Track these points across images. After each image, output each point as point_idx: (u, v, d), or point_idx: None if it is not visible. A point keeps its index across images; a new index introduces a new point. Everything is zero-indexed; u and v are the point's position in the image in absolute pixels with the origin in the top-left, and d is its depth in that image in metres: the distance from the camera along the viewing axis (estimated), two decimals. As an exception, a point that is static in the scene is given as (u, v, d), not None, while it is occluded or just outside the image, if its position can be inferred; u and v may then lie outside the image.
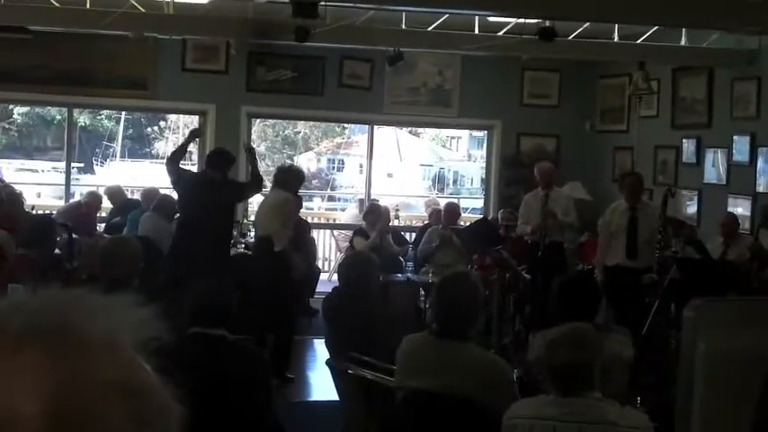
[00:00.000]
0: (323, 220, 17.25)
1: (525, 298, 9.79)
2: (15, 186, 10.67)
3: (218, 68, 12.34)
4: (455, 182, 27.09)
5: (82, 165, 23.36)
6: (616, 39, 10.61)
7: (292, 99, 12.63)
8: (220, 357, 4.24)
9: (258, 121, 22.38)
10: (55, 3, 9.39)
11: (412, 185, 24.99)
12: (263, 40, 10.43)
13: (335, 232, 14.92)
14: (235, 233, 10.75)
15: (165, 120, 24.75)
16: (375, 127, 14.22)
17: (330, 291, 6.66)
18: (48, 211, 12.00)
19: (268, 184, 10.22)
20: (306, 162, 26.26)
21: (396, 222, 12.92)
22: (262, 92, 12.51)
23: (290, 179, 9.20)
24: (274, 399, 8.03)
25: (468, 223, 11.70)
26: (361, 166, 15.13)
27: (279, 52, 12.19)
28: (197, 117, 13.31)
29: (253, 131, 23.18)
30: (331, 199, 24.38)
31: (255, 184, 9.28)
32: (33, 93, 12.18)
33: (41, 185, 19.32)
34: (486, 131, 13.94)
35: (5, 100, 14.39)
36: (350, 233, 11.87)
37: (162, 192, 10.91)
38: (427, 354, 4.55)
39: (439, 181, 26.86)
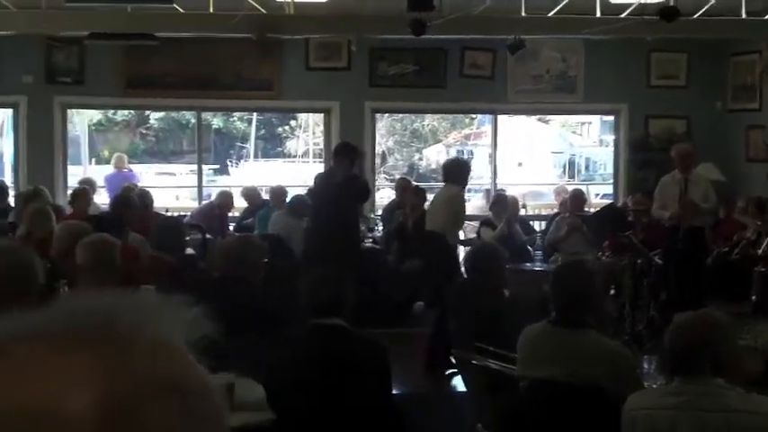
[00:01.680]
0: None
1: (660, 284, 9.61)
2: (151, 190, 11.06)
3: (341, 65, 12.48)
4: (587, 168, 26.70)
5: (217, 166, 23.89)
6: (743, 15, 10.30)
7: (415, 92, 12.68)
8: (339, 346, 4.29)
9: (386, 115, 22.56)
10: (179, 9, 9.64)
11: (543, 174, 24.75)
12: (382, 35, 10.51)
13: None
14: (363, 228, 10.86)
15: (296, 118, 25.11)
16: (502, 116, 14.17)
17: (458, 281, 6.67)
18: (183, 214, 12.34)
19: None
20: (435, 154, 26.29)
21: (523, 212, 12.83)
22: (384, 86, 12.60)
23: (459, 172, 9.25)
24: (407, 389, 8.13)
25: (595, 210, 11.54)
26: (490, 156, 15.10)
27: (400, 46, 12.26)
28: (323, 115, 13.48)
29: (381, 126, 23.48)
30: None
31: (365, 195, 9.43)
32: (163, 98, 12.54)
33: (179, 188, 19.83)
34: (613, 116, 13.72)
35: (137, 106, 14.82)
36: (477, 224, 11.83)
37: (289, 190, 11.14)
38: (546, 343, 4.52)
39: (570, 168, 26.53)
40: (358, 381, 4.16)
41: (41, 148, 12.06)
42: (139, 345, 0.80)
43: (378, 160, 23.32)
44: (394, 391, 7.88)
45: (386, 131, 25.24)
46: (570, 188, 12.68)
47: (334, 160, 9.44)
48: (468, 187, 21.73)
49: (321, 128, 13.93)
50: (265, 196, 12.61)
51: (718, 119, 12.73)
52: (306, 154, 24.38)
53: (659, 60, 12.81)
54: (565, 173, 25.74)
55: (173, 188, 18.94)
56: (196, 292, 4.34)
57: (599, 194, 17.22)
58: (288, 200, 10.85)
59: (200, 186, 13.46)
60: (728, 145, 12.42)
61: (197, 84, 12.29)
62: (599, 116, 17.97)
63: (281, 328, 4.96)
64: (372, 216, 11.94)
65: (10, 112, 12.52)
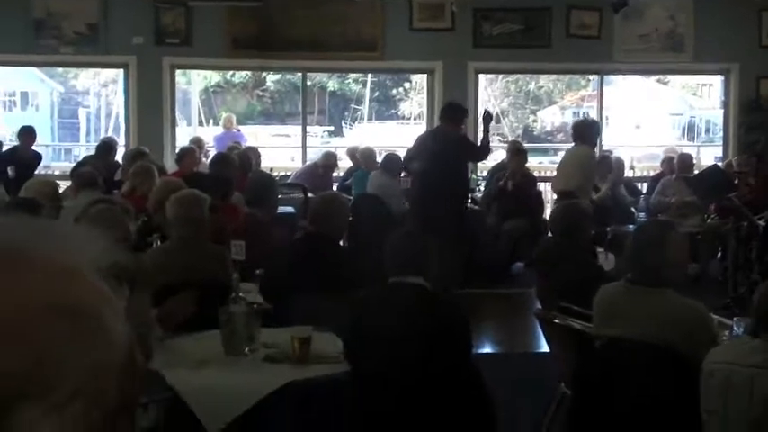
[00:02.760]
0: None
1: (765, 247, 9.38)
2: (265, 151, 11.26)
3: (445, 26, 12.42)
4: (707, 131, 26.11)
5: (331, 128, 24.11)
6: None
7: (519, 53, 12.56)
8: (416, 305, 4.32)
9: (500, 77, 22.42)
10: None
11: (661, 136, 24.28)
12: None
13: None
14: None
15: (410, 81, 25.11)
16: (617, 77, 13.96)
17: (543, 240, 6.64)
18: (287, 173, 12.53)
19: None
20: (550, 116, 26.04)
21: (631, 173, 12.65)
22: (488, 47, 12.50)
23: (588, 132, 9.24)
24: (499, 348, 8.15)
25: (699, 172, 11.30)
26: (607, 119, 14.89)
27: (504, 6, 12.16)
28: (425, 75, 13.47)
29: (495, 88, 23.26)
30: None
31: (483, 151, 9.36)
32: (268, 59, 12.69)
33: (294, 149, 20.07)
34: (722, 76, 13.36)
35: (243, 67, 15.01)
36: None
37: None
38: (621, 302, 4.48)
39: (689, 130, 25.97)
40: (433, 340, 4.19)
41: (150, 108, 12.36)
42: (33, 266, 0.85)
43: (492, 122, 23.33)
44: (482, 350, 7.99)
45: (500, 93, 25.08)
46: (680, 150, 12.45)
47: (441, 121, 9.42)
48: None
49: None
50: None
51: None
52: (419, 116, 24.41)
53: (771, 19, 12.43)
54: (684, 135, 25.22)
55: (287, 149, 19.20)
56: (285, 248, 4.47)
57: (718, 157, 16.86)
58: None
59: (304, 146, 13.62)
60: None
61: (303, 45, 12.40)
62: (720, 77, 17.56)
63: (364, 285, 5.03)
64: (475, 177, 11.91)
65: (121, 72, 12.83)
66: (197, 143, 11.73)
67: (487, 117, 9.67)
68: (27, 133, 11.35)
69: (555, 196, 10.13)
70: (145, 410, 3.28)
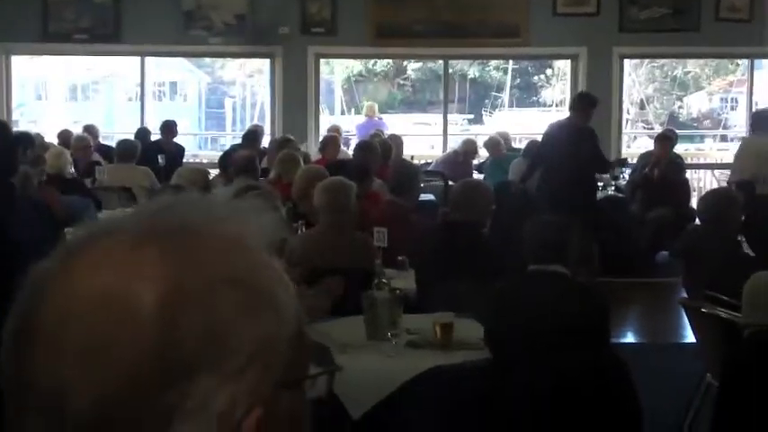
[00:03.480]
0: (715, 161, 16.62)
1: None
2: (406, 139, 11.33)
3: (590, 11, 12.28)
4: None
5: (471, 116, 24.06)
6: None
7: (666, 37, 12.31)
8: (556, 294, 4.30)
9: (645, 62, 21.98)
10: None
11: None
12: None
13: (717, 173, 14.36)
14: (607, 175, 10.74)
15: (552, 67, 24.86)
16: (764, 62, 13.54)
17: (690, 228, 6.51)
18: (428, 161, 12.57)
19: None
20: (697, 102, 25.41)
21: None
22: (634, 32, 12.29)
23: (766, 121, 9.10)
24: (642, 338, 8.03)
25: None
26: (756, 104, 14.49)
27: (652, -11, 11.94)
28: (569, 61, 13.32)
29: (640, 73, 22.79)
30: (723, 139, 23.43)
31: (600, 165, 9.35)
32: (412, 47, 12.76)
33: (434, 136, 20.13)
34: None
35: (386, 55, 15.12)
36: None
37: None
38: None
39: None
40: (574, 327, 4.16)
41: (295, 96, 12.57)
42: (208, 242, 0.89)
43: (635, 109, 22.83)
44: (628, 341, 7.89)
45: (645, 79, 24.58)
46: None
47: (571, 110, 9.39)
48: (726, 135, 20.90)
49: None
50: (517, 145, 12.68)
51: None
52: (561, 103, 24.13)
53: None
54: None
55: (427, 137, 19.26)
56: (427, 235, 4.51)
57: None
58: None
59: (445, 134, 13.65)
60: None
61: (445, 32, 12.42)
62: None
63: (504, 272, 5.03)
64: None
65: (267, 62, 13.08)
66: (335, 131, 11.88)
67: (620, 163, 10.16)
68: (167, 127, 11.69)
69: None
70: (314, 383, 3.35)
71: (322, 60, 13.67)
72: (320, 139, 11.17)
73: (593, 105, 9.30)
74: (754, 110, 9.45)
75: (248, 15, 12.34)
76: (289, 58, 12.51)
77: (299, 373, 0.92)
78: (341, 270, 4.87)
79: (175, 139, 11.78)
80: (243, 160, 7.79)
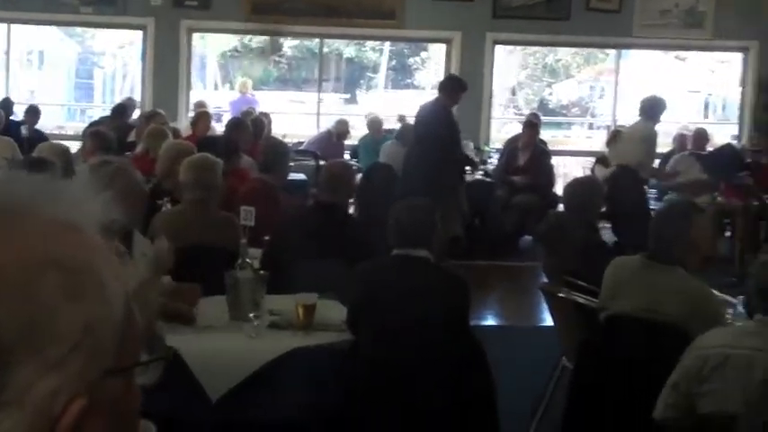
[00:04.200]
0: (581, 149, 17.00)
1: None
2: (281, 116, 11.19)
3: (465, -5, 12.41)
4: (723, 109, 25.93)
5: (347, 96, 24.04)
6: None
7: (539, 24, 12.54)
8: (419, 278, 4.34)
9: (519, 48, 22.27)
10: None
11: (678, 113, 24.11)
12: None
13: (583, 160, 14.71)
14: (477, 160, 10.88)
15: (427, 50, 25.02)
16: (635, 51, 13.91)
17: (551, 214, 6.64)
18: (300, 140, 12.52)
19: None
20: (566, 90, 25.86)
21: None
22: (507, 18, 12.47)
23: (653, 108, 9.26)
24: (504, 321, 8.18)
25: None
26: (623, 93, 14.87)
27: (525, -23, 12.12)
28: (443, 45, 13.42)
29: (513, 60, 23.09)
30: (590, 127, 23.95)
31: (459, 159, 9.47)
32: (287, 24, 12.69)
33: (309, 115, 20.03)
34: (741, 54, 13.28)
35: (261, 31, 14.95)
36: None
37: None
38: (635, 276, 4.50)
39: (706, 108, 25.80)
40: (435, 312, 4.21)
41: (167, 70, 12.37)
42: (30, 224, 0.86)
43: (507, 94, 23.15)
44: (488, 323, 8.03)
45: (517, 65, 24.93)
46: (694, 128, 12.41)
47: (439, 92, 9.46)
48: (593, 123, 21.35)
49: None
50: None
51: None
52: (436, 86, 24.30)
53: (793, -3, 12.36)
54: (700, 113, 25.03)
55: (302, 115, 19.17)
56: (294, 215, 4.47)
57: (734, 136, 16.77)
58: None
59: (318, 114, 13.63)
60: None
61: (321, 11, 12.38)
62: (739, 55, 17.49)
63: (373, 255, 5.05)
64: (487, 149, 11.92)
65: (139, 33, 12.83)
66: (202, 107, 11.73)
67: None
68: (32, 112, 11.28)
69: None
70: (145, 370, 3.29)
71: (196, 34, 13.48)
72: (191, 114, 11.01)
73: (463, 89, 9.38)
74: (644, 97, 9.67)
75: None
76: (161, 31, 12.31)
77: (129, 360, 0.91)
78: (203, 248, 4.82)
79: (43, 109, 11.42)
80: (95, 136, 7.53)
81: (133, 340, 0.91)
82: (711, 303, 4.44)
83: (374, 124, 11.22)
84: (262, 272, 4.47)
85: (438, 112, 9.22)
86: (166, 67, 12.36)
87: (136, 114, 11.28)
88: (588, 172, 11.37)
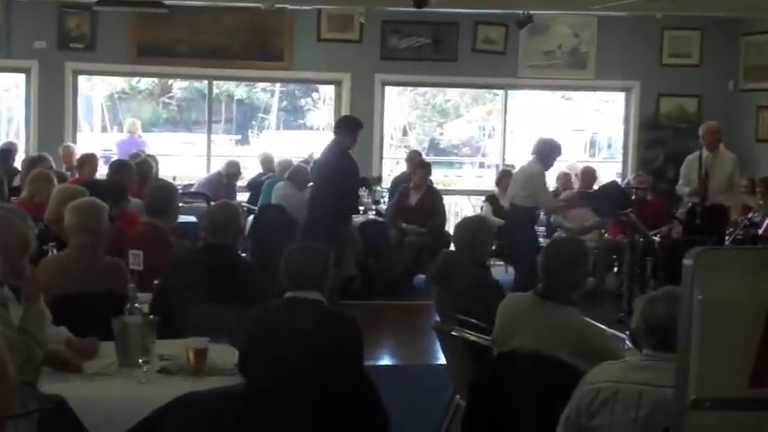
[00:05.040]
0: (472, 187, 17.23)
1: (661, 263, 9.61)
2: (171, 158, 11.04)
3: (353, 38, 12.50)
4: (609, 147, 26.55)
5: (239, 137, 23.94)
6: (755, -7, 10.23)
7: (426, 66, 12.70)
8: (312, 320, 4.31)
9: (408, 89, 22.53)
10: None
11: (565, 152, 24.53)
12: (386, 7, 10.52)
13: (473, 199, 14.90)
14: (369, 200, 10.92)
15: (318, 91, 25.14)
16: (522, 92, 14.18)
17: (443, 253, 6.68)
18: (191, 182, 12.41)
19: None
20: (456, 130, 26.19)
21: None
22: (396, 59, 12.61)
23: (546, 151, 9.37)
24: (398, 360, 8.18)
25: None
26: (512, 133, 15.14)
27: (412, 19, 12.27)
28: (332, 86, 13.50)
29: (403, 100, 23.33)
30: (481, 166, 24.30)
31: (349, 199, 9.49)
32: (175, 66, 12.61)
33: (200, 157, 19.85)
34: (624, 93, 13.65)
35: (148, 74, 14.83)
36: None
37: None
38: (526, 313, 4.55)
39: (591, 147, 26.38)
40: (327, 355, 4.19)
41: (52, 113, 12.17)
42: None
43: (399, 134, 23.36)
44: (383, 363, 8.03)
45: (408, 105, 25.20)
46: (581, 166, 12.68)
47: (335, 133, 9.51)
48: (483, 162, 21.59)
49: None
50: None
51: (730, 98, 12.67)
52: (328, 126, 24.35)
53: (672, 38, 12.78)
54: (586, 151, 25.58)
55: (194, 157, 18.99)
56: (183, 258, 4.38)
57: (619, 173, 17.18)
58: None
59: (209, 155, 13.55)
60: (739, 125, 12.34)
61: (208, 53, 12.36)
62: (622, 94, 18.00)
63: (265, 296, 5.01)
64: (379, 189, 11.98)
65: (23, 77, 12.58)
66: (67, 150, 11.54)
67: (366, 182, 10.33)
68: None
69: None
70: (18, 422, 3.20)
71: (83, 77, 13.30)
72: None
73: (359, 127, 9.44)
74: (539, 138, 9.84)
75: (3, 28, 11.85)
76: (45, 74, 12.11)
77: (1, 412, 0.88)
78: (90, 294, 4.72)
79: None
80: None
81: (7, 394, 0.88)
82: (603, 341, 4.51)
83: (284, 166, 11.19)
84: (151, 316, 4.39)
85: (336, 152, 9.26)
86: (51, 110, 12.16)
87: (20, 158, 11.03)
88: (479, 211, 11.51)
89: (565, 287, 4.51)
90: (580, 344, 4.35)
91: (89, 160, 9.99)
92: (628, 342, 4.74)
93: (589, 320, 4.55)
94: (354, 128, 9.37)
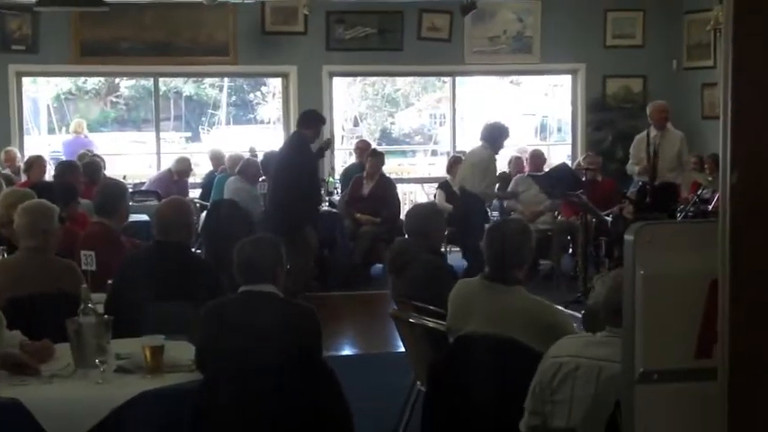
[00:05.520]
0: (426, 175, 17.30)
1: (616, 242, 9.72)
2: (120, 158, 10.93)
3: (298, 30, 12.47)
4: (559, 130, 26.71)
5: (189, 134, 23.81)
6: (694, -28, 10.37)
7: (373, 55, 12.70)
8: (267, 313, 4.32)
9: (358, 80, 22.54)
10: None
11: (515, 136, 24.65)
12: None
13: (426, 186, 14.97)
14: (322, 191, 10.92)
15: (266, 85, 25.03)
16: (469, 78, 14.24)
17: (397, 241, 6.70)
18: (141, 181, 12.35)
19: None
20: (407, 118, 26.24)
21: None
22: (342, 50, 12.61)
23: (494, 135, 9.40)
24: (358, 350, 8.21)
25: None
26: (462, 119, 15.20)
27: (357, 9, 12.29)
28: (280, 80, 13.47)
29: (353, 91, 23.33)
30: (433, 154, 24.36)
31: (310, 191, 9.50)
32: (119, 64, 12.52)
33: (149, 155, 19.72)
34: (570, 76, 13.76)
35: (93, 73, 14.72)
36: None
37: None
38: (477, 298, 4.59)
39: (542, 130, 26.52)
40: (284, 347, 4.20)
41: (-4, 116, 12.06)
42: None
43: (350, 125, 23.36)
44: (344, 353, 8.05)
45: (358, 96, 25.19)
46: (530, 149, 12.78)
47: (299, 125, 9.45)
48: (435, 150, 21.66)
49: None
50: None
51: (675, 77, 12.81)
52: (278, 120, 24.28)
53: (616, 20, 12.89)
54: (537, 135, 25.70)
55: (144, 155, 18.87)
56: (135, 256, 4.37)
57: (569, 156, 17.30)
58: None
59: (159, 153, 13.47)
60: (685, 103, 12.48)
61: (153, 50, 12.28)
62: (568, 77, 18.15)
63: (220, 291, 5.00)
64: (332, 180, 11.98)
65: (-35, 81, 12.44)
66: (9, 156, 11.45)
67: (327, 144, 10.15)
68: None
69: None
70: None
71: (28, 78, 13.16)
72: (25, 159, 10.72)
73: (322, 122, 9.46)
74: (486, 123, 9.92)
75: (-58, 32, 11.71)
76: (-14, 77, 11.98)
77: None
78: (42, 296, 4.69)
79: None
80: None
81: None
82: (553, 315, 4.56)
83: (235, 160, 11.14)
84: (105, 316, 4.38)
85: (297, 146, 9.24)
86: (-5, 113, 12.04)
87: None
88: (432, 198, 11.56)
89: (510, 267, 4.57)
90: (531, 321, 4.41)
91: (37, 162, 9.90)
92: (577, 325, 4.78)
93: (537, 297, 4.60)
94: (317, 122, 9.38)
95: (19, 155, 11.75)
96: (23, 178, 9.87)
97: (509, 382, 4.24)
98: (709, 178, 10.23)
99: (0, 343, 4.00)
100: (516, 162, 11.81)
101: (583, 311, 4.51)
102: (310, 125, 9.30)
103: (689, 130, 11.78)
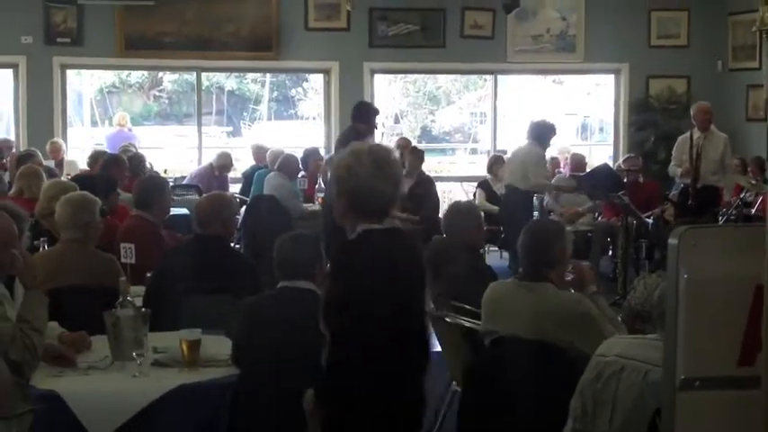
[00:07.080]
0: (465, 174, 17.22)
1: (657, 244, 9.64)
2: (163, 152, 10.95)
3: (341, 26, 12.49)
4: (600, 130, 26.54)
5: (230, 129, 23.91)
6: (742, -28, 10.24)
7: (415, 53, 12.69)
8: (305, 310, 4.30)
9: (399, 77, 22.53)
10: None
11: (557, 136, 24.51)
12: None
13: (466, 185, 14.90)
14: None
15: (308, 80, 25.08)
16: (512, 77, 14.19)
17: (435, 240, 6.66)
18: (183, 175, 12.40)
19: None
20: (448, 116, 26.19)
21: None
22: (384, 47, 12.60)
23: (541, 133, 9.36)
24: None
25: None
26: (504, 117, 15.13)
27: (400, 7, 12.29)
28: (322, 76, 13.47)
29: (394, 88, 23.32)
30: (474, 152, 24.29)
31: None
32: (162, 58, 12.59)
33: (191, 149, 19.79)
34: (613, 75, 13.65)
35: (136, 66, 14.77)
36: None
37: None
38: (510, 299, 4.57)
39: (583, 130, 26.37)
40: (320, 344, 4.19)
41: (41, 108, 12.15)
42: None
43: (391, 122, 23.35)
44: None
45: (399, 93, 25.19)
46: (572, 150, 12.71)
47: (353, 119, 9.39)
48: (476, 148, 21.60)
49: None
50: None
51: (719, 78, 12.68)
52: (319, 116, 24.31)
53: (660, 19, 12.80)
54: (578, 135, 25.57)
55: (185, 149, 18.95)
56: (174, 250, 4.37)
57: (611, 156, 17.18)
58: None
59: (200, 148, 13.53)
60: (729, 105, 12.35)
61: (196, 44, 12.34)
62: (611, 77, 18.02)
63: (259, 287, 5.01)
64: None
65: (10, 72, 12.54)
66: (56, 146, 11.53)
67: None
68: None
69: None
70: (10, 423, 3.21)
71: (71, 71, 13.26)
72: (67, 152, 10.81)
73: (376, 113, 9.40)
74: (532, 121, 9.87)
75: (-12, 24, 11.83)
76: (33, 69, 12.07)
77: None
78: (82, 288, 4.71)
79: None
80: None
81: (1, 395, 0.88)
82: (583, 309, 4.48)
83: (260, 155, 11.15)
84: (143, 309, 4.39)
85: (352, 140, 9.19)
86: (40, 105, 12.14)
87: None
88: (471, 197, 11.51)
89: (541, 266, 4.53)
90: (565, 316, 4.37)
91: (102, 156, 9.94)
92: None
93: (565, 291, 4.56)
94: (371, 115, 9.31)
95: (64, 146, 11.86)
96: (65, 172, 9.95)
97: (545, 385, 4.22)
98: (753, 181, 10.10)
99: (45, 325, 4.01)
100: (554, 162, 11.74)
101: (620, 315, 4.47)
102: (363, 119, 9.25)
103: (733, 133, 11.63)
